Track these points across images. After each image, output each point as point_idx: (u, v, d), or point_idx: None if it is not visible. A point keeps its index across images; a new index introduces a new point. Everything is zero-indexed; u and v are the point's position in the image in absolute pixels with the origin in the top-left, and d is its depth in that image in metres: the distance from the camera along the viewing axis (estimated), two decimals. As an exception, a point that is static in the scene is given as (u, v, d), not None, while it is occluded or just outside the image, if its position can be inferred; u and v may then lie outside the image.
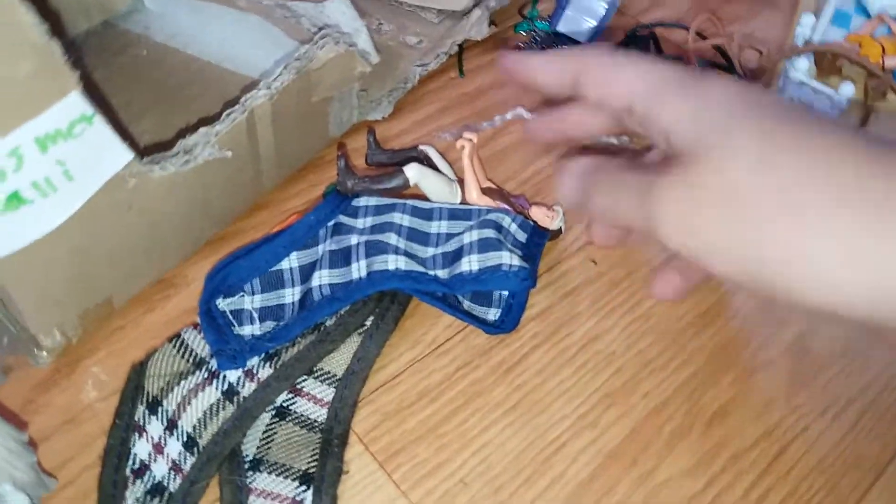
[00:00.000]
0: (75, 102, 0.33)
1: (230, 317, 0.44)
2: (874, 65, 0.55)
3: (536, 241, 0.49)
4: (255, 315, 0.44)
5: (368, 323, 0.44)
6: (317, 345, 0.43)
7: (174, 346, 0.43)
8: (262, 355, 0.42)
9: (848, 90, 0.53)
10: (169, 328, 0.45)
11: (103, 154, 0.36)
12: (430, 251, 0.47)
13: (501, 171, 0.56)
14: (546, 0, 0.71)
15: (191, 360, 0.43)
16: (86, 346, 0.44)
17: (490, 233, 0.46)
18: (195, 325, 0.44)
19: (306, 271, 0.46)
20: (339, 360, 0.43)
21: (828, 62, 0.58)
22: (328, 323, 0.43)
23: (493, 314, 0.46)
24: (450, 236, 0.47)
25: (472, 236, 0.46)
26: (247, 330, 0.43)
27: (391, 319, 0.44)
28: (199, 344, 0.43)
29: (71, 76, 0.33)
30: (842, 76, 0.58)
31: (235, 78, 0.56)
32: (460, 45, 0.64)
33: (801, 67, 0.55)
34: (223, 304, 0.44)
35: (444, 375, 0.44)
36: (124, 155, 0.37)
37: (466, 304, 0.46)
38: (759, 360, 0.47)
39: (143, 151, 0.41)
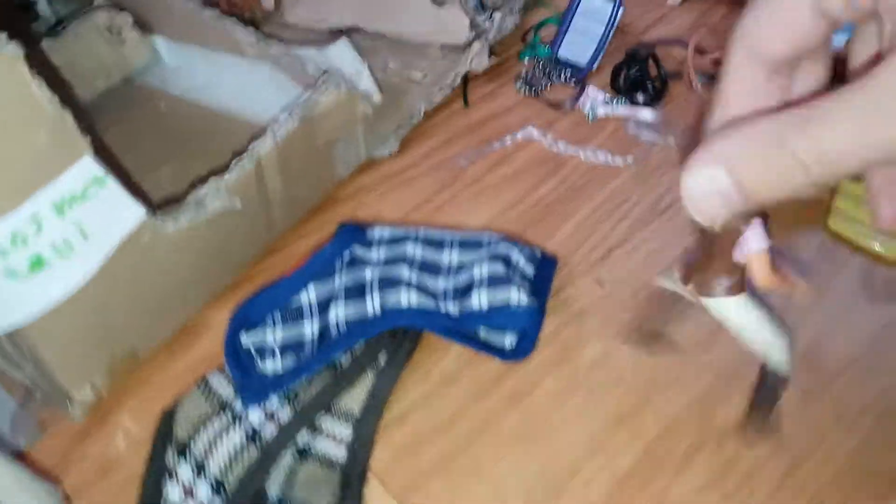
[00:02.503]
0: (88, 166, 0.36)
1: (254, 353, 0.46)
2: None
3: (545, 273, 0.50)
4: (277, 350, 0.46)
5: (381, 359, 0.45)
6: (333, 385, 0.45)
7: (200, 390, 0.45)
8: (282, 396, 0.44)
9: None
10: (193, 374, 0.46)
11: (117, 213, 0.38)
12: (441, 283, 0.48)
13: (513, 194, 0.58)
14: (549, 26, 0.72)
15: (217, 403, 0.44)
16: (115, 398, 0.46)
17: (499, 268, 0.48)
18: (220, 368, 0.46)
19: (324, 304, 0.47)
20: (354, 398, 0.44)
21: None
22: (343, 361, 0.45)
23: (509, 340, 0.47)
24: (461, 268, 0.49)
25: (483, 271, 0.47)
26: (269, 366, 0.45)
27: (403, 355, 0.46)
28: (223, 387, 0.45)
29: (82, 142, 0.35)
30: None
31: (248, 125, 0.58)
32: (464, 77, 0.65)
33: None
34: (246, 339, 0.46)
35: (455, 407, 0.45)
36: (137, 212, 0.39)
37: (483, 332, 0.48)
38: (769, 373, 0.47)
39: (161, 203, 0.44)
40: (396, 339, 0.46)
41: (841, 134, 0.19)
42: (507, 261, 0.49)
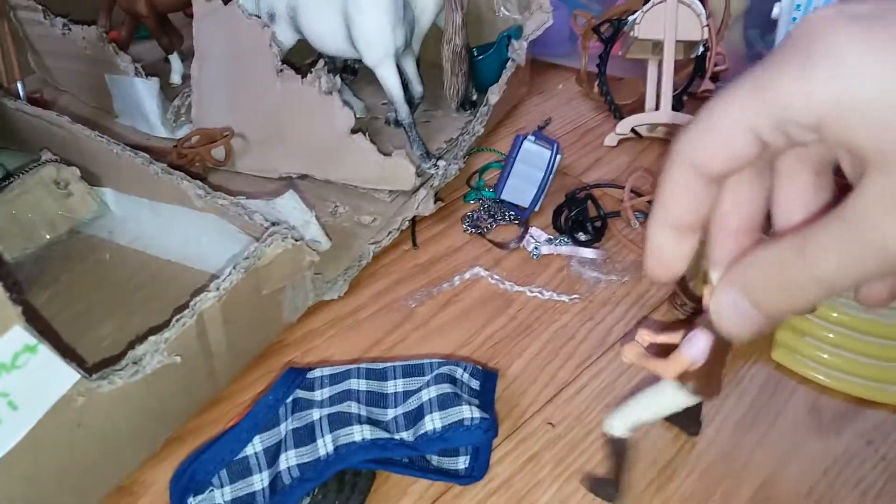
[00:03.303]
0: (18, 336, 0.35)
1: None
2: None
3: (489, 386, 0.51)
4: None
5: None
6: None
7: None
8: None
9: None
10: (127, 539, 0.44)
11: (49, 379, 0.37)
12: (390, 413, 0.48)
13: (462, 334, 0.58)
14: (492, 170, 0.75)
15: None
16: (39, 570, 0.43)
17: (447, 387, 0.48)
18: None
19: (272, 454, 0.46)
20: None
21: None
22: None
23: (462, 463, 0.47)
24: (407, 395, 0.49)
25: (431, 393, 0.48)
26: None
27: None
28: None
29: (12, 311, 0.35)
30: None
31: (194, 275, 0.58)
32: (412, 219, 0.67)
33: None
34: (194, 503, 0.44)
35: (405, 565, 0.43)
36: (70, 377, 0.38)
37: (435, 460, 0.47)
38: (725, 513, 0.46)
39: (101, 362, 0.43)
40: (345, 491, 0.44)
41: (830, 260, 0.23)
42: (452, 379, 0.49)
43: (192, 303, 0.46)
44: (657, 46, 0.77)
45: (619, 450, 0.43)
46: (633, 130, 0.79)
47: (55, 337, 0.38)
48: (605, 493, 0.45)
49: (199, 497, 0.44)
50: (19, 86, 0.82)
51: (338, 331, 0.58)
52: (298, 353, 0.56)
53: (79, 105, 0.86)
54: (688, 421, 0.49)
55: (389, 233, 0.65)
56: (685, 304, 0.57)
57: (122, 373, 0.42)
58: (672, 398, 0.39)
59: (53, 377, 0.38)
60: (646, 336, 0.42)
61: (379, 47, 0.69)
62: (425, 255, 0.66)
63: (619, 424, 0.42)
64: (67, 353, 0.39)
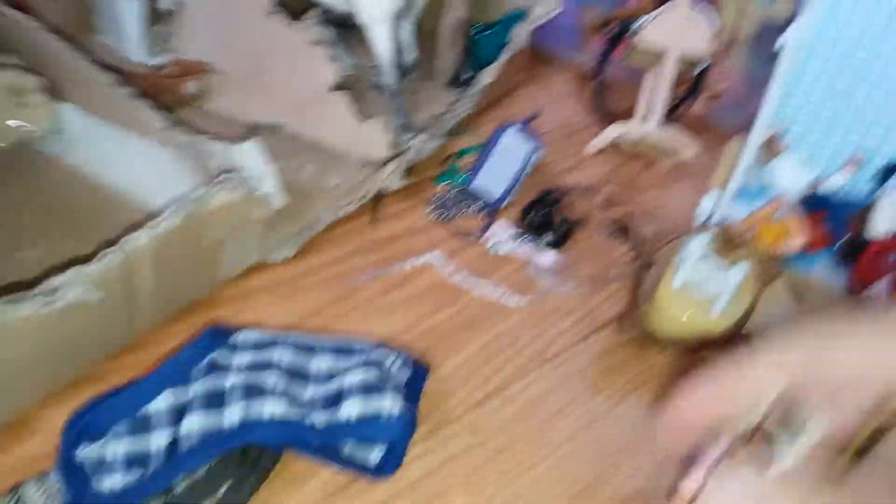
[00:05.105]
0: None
1: (89, 469, 0.41)
2: (763, 249, 0.56)
3: (418, 380, 0.50)
4: (117, 466, 0.41)
5: (222, 492, 0.41)
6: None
7: (8, 501, 0.40)
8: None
9: (736, 276, 0.53)
10: (12, 476, 0.41)
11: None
12: (309, 391, 0.46)
13: (405, 319, 0.56)
14: (470, 155, 0.73)
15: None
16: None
17: (372, 375, 0.46)
18: (40, 477, 0.41)
19: (177, 413, 0.44)
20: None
21: (730, 238, 0.60)
22: (178, 489, 0.41)
23: (375, 454, 0.45)
24: (332, 375, 0.47)
25: (354, 378, 0.46)
26: (106, 484, 0.41)
27: (248, 488, 0.42)
28: (37, 501, 0.40)
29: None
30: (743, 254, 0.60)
31: (136, 210, 0.56)
32: (378, 192, 0.65)
33: (695, 247, 0.56)
34: (84, 453, 0.42)
35: (297, 552, 0.41)
36: (-30, 297, 0.36)
37: (348, 448, 0.45)
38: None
39: (16, 285, 0.40)
40: (246, 466, 0.42)
41: None
42: (379, 367, 0.47)
43: (122, 240, 0.44)
44: (660, 57, 0.74)
45: None
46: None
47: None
48: None
49: (92, 447, 0.42)
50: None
51: (278, 294, 0.56)
52: (230, 312, 0.54)
53: (60, 13, 0.82)
54: None
55: (350, 202, 0.62)
56: (634, 326, 0.56)
57: (34, 301, 0.40)
58: None
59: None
60: None
61: (375, 7, 0.66)
62: (383, 231, 0.64)
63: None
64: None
